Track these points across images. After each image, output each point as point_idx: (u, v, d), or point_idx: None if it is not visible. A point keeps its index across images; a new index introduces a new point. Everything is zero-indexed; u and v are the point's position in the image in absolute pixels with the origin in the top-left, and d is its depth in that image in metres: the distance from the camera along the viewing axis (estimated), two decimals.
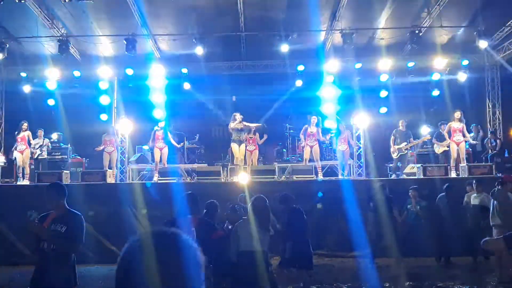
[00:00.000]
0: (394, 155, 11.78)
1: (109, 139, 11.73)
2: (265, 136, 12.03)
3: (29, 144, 11.45)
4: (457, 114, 11.18)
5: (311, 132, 11.35)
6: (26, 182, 11.07)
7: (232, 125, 11.27)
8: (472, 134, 12.71)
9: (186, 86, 13.99)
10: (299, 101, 14.27)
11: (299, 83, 14.16)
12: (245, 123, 11.38)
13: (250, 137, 12.06)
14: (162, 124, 11.73)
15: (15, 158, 11.32)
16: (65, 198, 3.95)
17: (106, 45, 13.22)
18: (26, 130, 11.39)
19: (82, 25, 12.43)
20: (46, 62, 13.10)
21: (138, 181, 12.21)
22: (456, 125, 11.09)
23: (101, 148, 11.64)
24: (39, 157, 12.05)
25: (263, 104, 14.95)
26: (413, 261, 8.45)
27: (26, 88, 13.80)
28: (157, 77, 13.36)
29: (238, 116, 11.37)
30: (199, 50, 12.28)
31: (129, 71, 13.59)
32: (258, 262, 4.52)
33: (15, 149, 11.35)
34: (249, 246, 4.54)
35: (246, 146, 11.56)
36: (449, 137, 11.14)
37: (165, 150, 11.53)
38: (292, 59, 13.67)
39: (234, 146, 11.27)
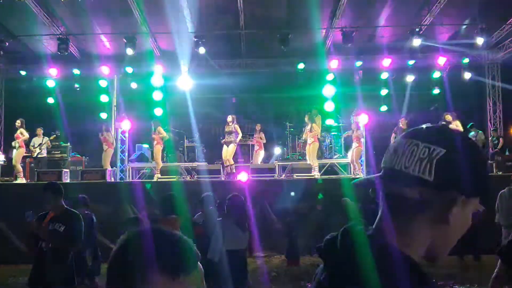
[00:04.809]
0: None
1: (103, 137, 11.80)
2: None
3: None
4: (448, 117, 11.18)
5: (308, 129, 11.37)
6: (19, 180, 11.04)
7: (225, 127, 11.39)
8: (472, 134, 12.71)
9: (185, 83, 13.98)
10: (300, 99, 14.25)
11: (299, 81, 14.12)
12: (236, 126, 11.41)
13: (256, 137, 12.25)
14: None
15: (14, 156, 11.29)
16: (62, 198, 3.94)
17: (105, 43, 13.19)
18: (20, 127, 11.34)
19: (82, 23, 12.40)
20: (45, 60, 13.08)
21: (138, 180, 12.20)
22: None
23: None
24: (39, 156, 12.02)
25: (263, 102, 14.94)
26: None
27: (26, 87, 13.80)
28: (157, 75, 13.33)
29: (229, 118, 11.39)
30: (201, 50, 12.21)
31: (129, 70, 13.56)
32: (242, 260, 4.70)
33: (15, 147, 11.30)
34: (233, 245, 4.59)
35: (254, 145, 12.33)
36: None
37: (157, 148, 11.59)
38: (292, 57, 13.63)
39: (224, 147, 11.34)
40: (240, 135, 11.64)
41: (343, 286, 0.88)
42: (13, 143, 11.31)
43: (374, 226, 0.99)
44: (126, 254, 0.91)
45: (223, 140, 11.41)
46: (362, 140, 11.54)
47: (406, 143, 0.95)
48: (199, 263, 0.95)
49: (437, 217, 0.91)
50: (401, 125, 11.82)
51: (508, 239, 3.41)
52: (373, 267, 0.86)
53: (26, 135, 11.37)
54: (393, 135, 11.86)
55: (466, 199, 0.91)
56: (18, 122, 11.30)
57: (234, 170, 11.03)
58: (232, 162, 11.26)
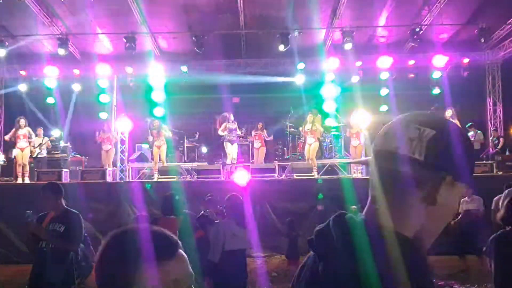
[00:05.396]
0: None
1: (106, 137, 11.71)
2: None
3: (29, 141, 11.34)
4: (448, 112, 11.20)
5: (307, 129, 11.36)
6: (26, 180, 11.02)
7: (227, 125, 11.37)
8: (471, 133, 12.71)
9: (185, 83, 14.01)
10: (299, 99, 14.25)
11: (299, 81, 14.12)
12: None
13: (256, 134, 12.21)
14: (157, 121, 11.72)
15: (15, 156, 11.25)
16: (62, 198, 3.93)
17: (105, 43, 13.19)
18: (26, 126, 11.26)
19: (82, 23, 12.39)
20: (45, 60, 13.07)
21: (138, 180, 12.20)
22: None
23: (99, 140, 11.70)
24: (39, 156, 12.01)
25: (263, 102, 14.93)
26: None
27: (25, 87, 13.78)
28: (157, 75, 13.33)
29: (231, 116, 11.41)
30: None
31: (129, 69, 13.55)
32: (242, 260, 4.72)
33: (15, 146, 11.23)
34: (234, 245, 4.58)
35: (253, 143, 12.46)
36: None
37: (164, 148, 11.50)
38: (292, 57, 13.62)
39: (227, 145, 11.33)
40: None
41: (341, 273, 0.88)
42: (20, 143, 11.15)
43: (365, 211, 0.99)
44: (109, 248, 1.03)
45: (227, 138, 11.40)
46: (363, 140, 11.51)
47: (396, 124, 0.98)
48: (180, 250, 1.02)
49: (426, 197, 0.92)
50: None
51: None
52: (370, 250, 0.86)
53: (33, 133, 11.39)
54: None
55: (453, 181, 0.93)
56: (23, 121, 11.20)
57: (234, 169, 11.02)
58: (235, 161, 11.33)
